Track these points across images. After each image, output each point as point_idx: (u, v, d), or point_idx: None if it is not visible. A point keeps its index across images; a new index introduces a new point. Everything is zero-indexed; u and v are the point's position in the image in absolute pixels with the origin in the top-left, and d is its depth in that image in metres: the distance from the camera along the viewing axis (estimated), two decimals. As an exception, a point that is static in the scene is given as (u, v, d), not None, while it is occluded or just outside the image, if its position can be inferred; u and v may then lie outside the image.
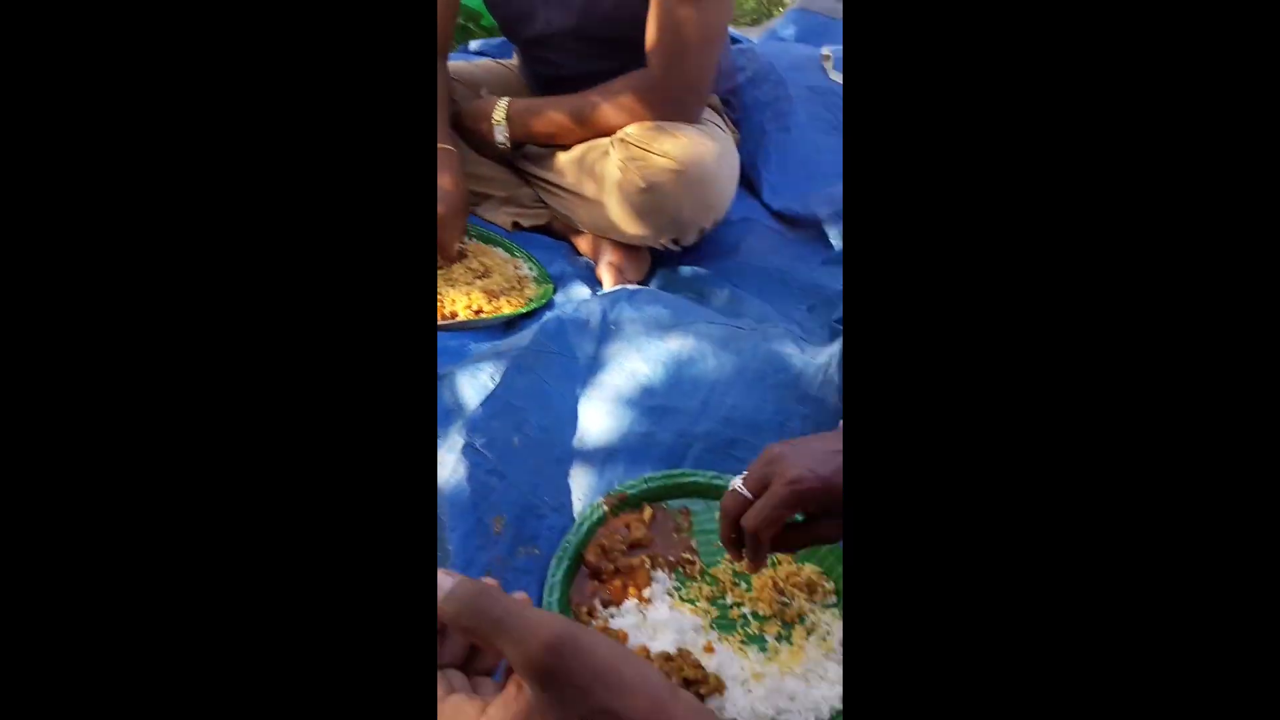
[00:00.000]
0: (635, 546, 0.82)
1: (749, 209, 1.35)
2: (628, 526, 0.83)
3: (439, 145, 1.21)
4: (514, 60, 1.47)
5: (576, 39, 1.21)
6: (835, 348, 0.97)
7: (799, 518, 0.65)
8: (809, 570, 0.79)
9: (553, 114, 1.22)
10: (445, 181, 1.19)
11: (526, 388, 0.95)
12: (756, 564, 0.66)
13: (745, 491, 0.63)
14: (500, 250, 1.30)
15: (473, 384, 0.93)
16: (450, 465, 0.84)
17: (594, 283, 1.25)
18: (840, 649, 0.74)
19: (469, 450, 0.85)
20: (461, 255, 1.23)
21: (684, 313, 1.04)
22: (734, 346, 0.97)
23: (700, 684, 0.68)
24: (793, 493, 0.60)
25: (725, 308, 1.13)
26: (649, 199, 1.12)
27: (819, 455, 0.61)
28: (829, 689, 0.70)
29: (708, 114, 1.26)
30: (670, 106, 1.13)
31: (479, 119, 1.28)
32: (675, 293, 1.15)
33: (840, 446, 0.60)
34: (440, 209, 1.16)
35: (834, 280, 1.17)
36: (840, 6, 2.01)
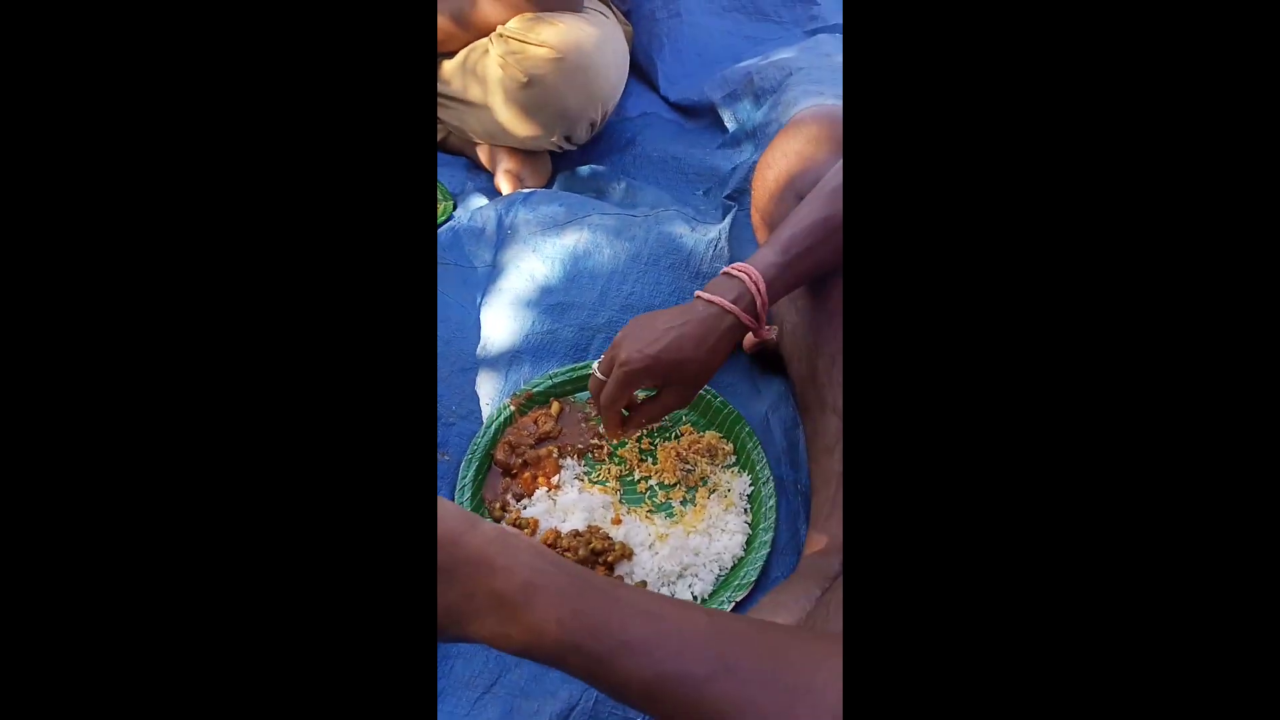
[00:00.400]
0: (543, 439, 0.82)
1: (647, 104, 1.32)
2: (535, 422, 0.84)
3: None
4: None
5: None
6: (725, 223, 0.96)
7: (652, 391, 0.72)
8: (710, 436, 0.81)
9: None
10: None
11: (421, 299, 0.93)
12: (612, 434, 0.74)
13: (599, 374, 0.71)
14: (394, 171, 1.26)
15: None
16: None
17: (494, 195, 1.21)
18: (740, 502, 0.77)
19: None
20: None
21: (578, 207, 1.02)
22: (627, 234, 0.96)
23: (608, 553, 0.70)
24: (625, 373, 0.67)
25: (623, 200, 1.11)
26: (532, 93, 1.08)
27: (654, 335, 0.67)
28: (729, 539, 0.73)
29: (592, 2, 1.21)
30: None
31: None
32: (575, 193, 1.13)
33: (679, 322, 0.67)
34: None
35: (727, 162, 1.15)
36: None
